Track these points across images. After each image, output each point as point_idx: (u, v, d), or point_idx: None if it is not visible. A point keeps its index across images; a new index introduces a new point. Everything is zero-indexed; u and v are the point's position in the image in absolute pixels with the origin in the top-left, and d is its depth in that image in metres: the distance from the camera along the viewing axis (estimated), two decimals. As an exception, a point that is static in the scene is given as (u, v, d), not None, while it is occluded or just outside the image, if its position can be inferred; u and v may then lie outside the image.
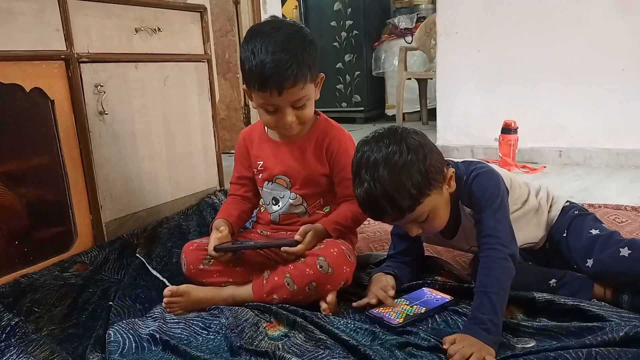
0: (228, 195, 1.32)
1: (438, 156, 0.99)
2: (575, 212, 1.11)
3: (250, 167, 1.27)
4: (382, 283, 1.08)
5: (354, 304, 1.06)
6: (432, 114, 3.57)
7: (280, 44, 1.04)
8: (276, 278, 1.07)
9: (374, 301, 1.04)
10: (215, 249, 1.11)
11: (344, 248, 1.09)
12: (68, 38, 1.40)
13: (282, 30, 1.06)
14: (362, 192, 0.95)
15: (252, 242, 1.18)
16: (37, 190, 1.40)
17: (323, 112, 1.25)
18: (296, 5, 4.74)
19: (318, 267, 1.04)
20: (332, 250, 1.07)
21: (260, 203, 1.30)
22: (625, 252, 0.98)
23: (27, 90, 1.33)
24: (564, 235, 1.08)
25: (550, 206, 1.13)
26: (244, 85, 1.13)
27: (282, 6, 3.80)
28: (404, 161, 0.92)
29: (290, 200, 1.21)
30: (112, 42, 1.54)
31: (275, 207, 1.23)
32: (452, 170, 1.01)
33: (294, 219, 1.22)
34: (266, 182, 1.23)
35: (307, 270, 1.05)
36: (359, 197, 0.97)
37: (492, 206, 0.99)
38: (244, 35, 1.16)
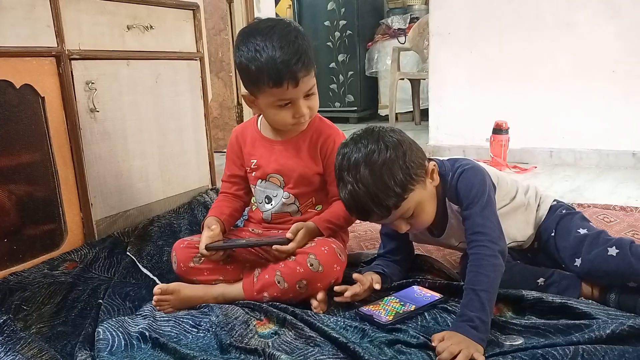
0: (220, 193, 1.32)
1: (418, 151, 1.00)
2: (563, 211, 1.11)
3: (242, 165, 1.27)
4: (367, 277, 1.08)
5: (336, 299, 1.04)
6: (424, 114, 3.58)
7: (283, 38, 1.05)
8: (267, 276, 1.07)
9: (348, 294, 1.03)
10: (206, 248, 1.11)
11: (334, 247, 1.09)
12: (59, 34, 1.39)
13: (277, 26, 1.07)
14: (346, 195, 0.96)
15: (244, 241, 1.18)
16: (27, 187, 1.39)
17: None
18: (290, 5, 4.74)
19: (309, 265, 1.05)
20: (323, 248, 1.08)
21: (252, 201, 1.29)
22: (613, 251, 0.98)
23: (17, 86, 1.32)
24: (552, 234, 1.09)
25: (539, 205, 1.14)
26: (246, 91, 1.13)
27: (275, 5, 3.80)
28: (383, 159, 0.94)
29: (283, 200, 1.21)
30: (103, 39, 1.54)
31: (268, 206, 1.23)
32: (433, 163, 1.02)
33: (286, 217, 1.22)
34: (259, 180, 1.23)
35: (298, 268, 1.05)
36: (345, 200, 0.98)
37: (479, 202, 0.99)
38: (237, 35, 1.16)
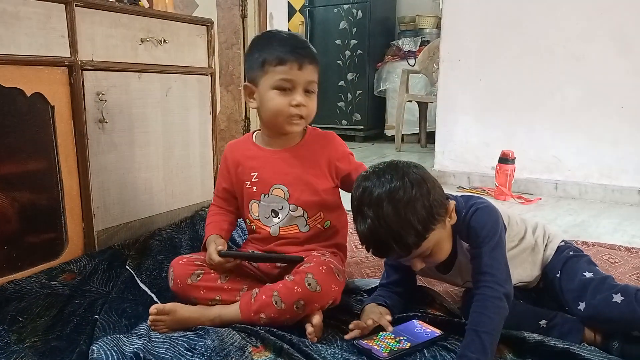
0: (212, 205, 1.32)
1: (439, 189, 0.98)
2: (570, 253, 1.10)
3: (232, 182, 1.26)
4: (376, 314, 1.07)
5: (346, 337, 1.04)
6: (430, 136, 3.58)
7: (295, 35, 1.18)
8: (264, 297, 1.06)
9: (357, 332, 1.03)
10: (220, 254, 1.11)
11: (332, 267, 1.09)
12: (73, 45, 1.40)
13: (291, 32, 1.20)
14: (365, 230, 0.93)
15: (257, 253, 1.18)
16: (30, 195, 1.39)
17: (323, 128, 1.30)
18: (302, 22, 4.78)
19: (306, 284, 1.04)
20: (320, 268, 1.07)
21: (253, 218, 1.24)
22: (618, 298, 0.97)
23: (28, 94, 1.33)
24: (557, 275, 1.08)
25: (546, 245, 1.13)
26: (248, 81, 1.17)
27: (288, 21, 3.83)
28: (408, 197, 0.90)
29: (291, 212, 1.20)
30: (116, 51, 1.54)
31: (275, 220, 1.21)
32: (453, 202, 1.00)
33: (294, 230, 1.20)
34: (263, 195, 1.21)
35: (296, 288, 1.04)
36: (362, 235, 0.95)
37: (489, 243, 0.98)
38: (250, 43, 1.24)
